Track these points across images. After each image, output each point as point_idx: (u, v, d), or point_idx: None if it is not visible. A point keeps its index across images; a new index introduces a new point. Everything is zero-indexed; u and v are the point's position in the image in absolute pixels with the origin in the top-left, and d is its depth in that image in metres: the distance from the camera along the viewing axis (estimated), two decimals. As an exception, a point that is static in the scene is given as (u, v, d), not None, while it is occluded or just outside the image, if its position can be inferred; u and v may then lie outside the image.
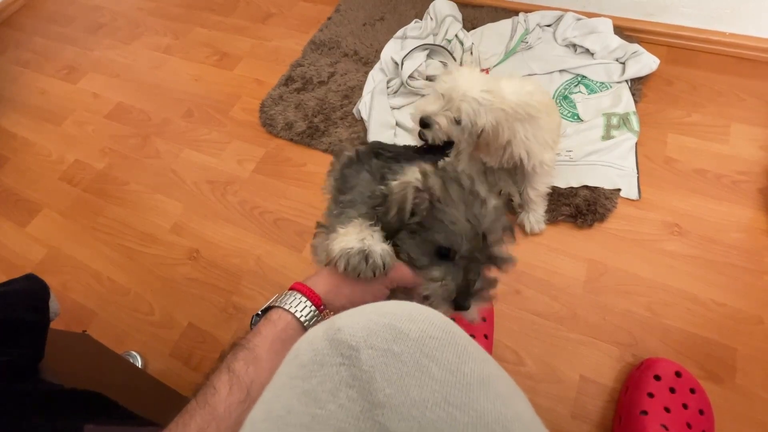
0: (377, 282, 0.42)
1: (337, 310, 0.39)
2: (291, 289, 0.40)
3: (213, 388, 0.32)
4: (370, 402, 0.18)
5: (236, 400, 0.32)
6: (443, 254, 0.44)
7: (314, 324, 0.37)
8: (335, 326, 0.22)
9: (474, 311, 0.45)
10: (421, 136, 0.72)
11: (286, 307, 0.38)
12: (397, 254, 0.45)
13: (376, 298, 0.42)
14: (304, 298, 0.39)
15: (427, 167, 0.48)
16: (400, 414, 0.17)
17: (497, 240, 0.45)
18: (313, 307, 0.38)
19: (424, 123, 0.71)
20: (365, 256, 0.41)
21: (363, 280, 0.41)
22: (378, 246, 0.42)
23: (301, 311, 0.38)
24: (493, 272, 0.47)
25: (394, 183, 0.47)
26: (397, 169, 0.50)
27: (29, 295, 0.54)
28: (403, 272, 0.44)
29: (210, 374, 0.34)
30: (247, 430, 0.20)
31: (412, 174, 0.46)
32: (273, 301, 0.40)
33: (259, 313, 0.40)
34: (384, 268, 0.41)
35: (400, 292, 0.47)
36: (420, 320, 0.22)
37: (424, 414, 0.17)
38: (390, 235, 0.45)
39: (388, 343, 0.20)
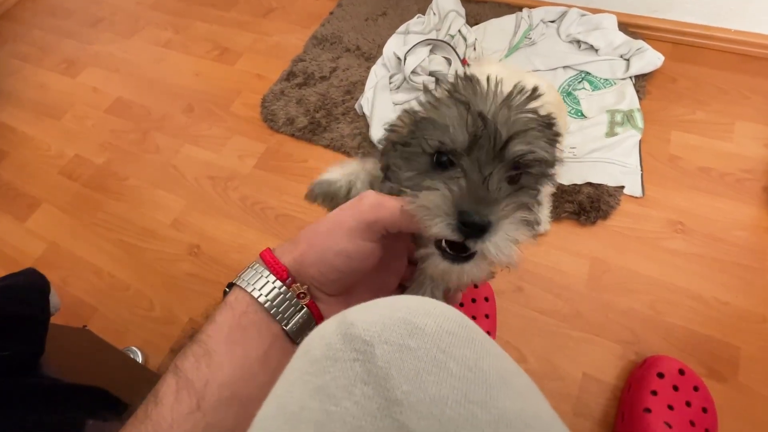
0: (347, 229, 0.30)
1: (309, 282, 0.32)
2: (260, 256, 0.33)
3: (155, 396, 0.27)
4: (387, 399, 0.17)
5: (185, 409, 0.26)
6: (442, 164, 0.32)
7: (280, 303, 0.30)
8: (348, 321, 0.21)
9: (504, 243, 0.28)
10: None
11: (244, 285, 0.31)
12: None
13: (350, 260, 0.31)
14: (266, 273, 0.31)
15: None
16: (419, 412, 0.17)
17: (519, 134, 0.30)
18: (277, 283, 0.30)
19: None
20: (329, 182, 0.33)
21: (330, 234, 0.31)
22: (354, 176, 0.34)
23: (260, 289, 0.30)
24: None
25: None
26: None
27: (29, 289, 0.53)
28: (389, 203, 0.30)
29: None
30: (257, 426, 0.19)
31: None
32: (236, 277, 0.32)
33: (226, 290, 0.33)
34: (348, 193, 0.32)
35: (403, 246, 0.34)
36: (435, 315, 0.21)
37: (444, 412, 0.17)
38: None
39: (403, 338, 0.19)
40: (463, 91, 0.32)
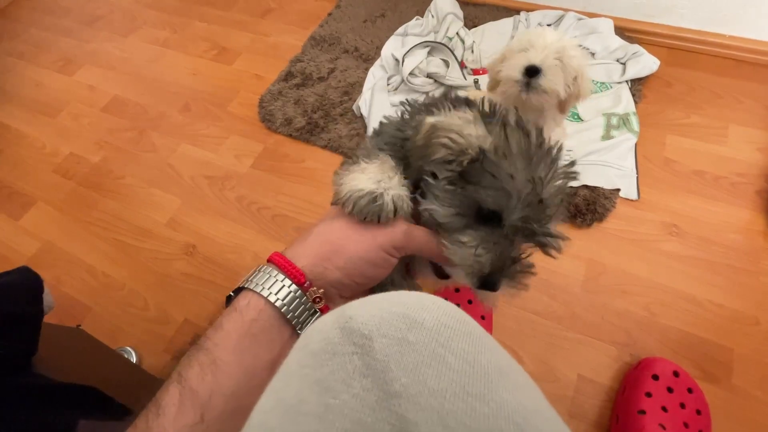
0: (380, 244, 0.33)
1: (327, 286, 0.32)
2: (269, 261, 0.32)
3: (157, 406, 0.26)
4: (386, 392, 0.17)
5: (188, 421, 0.25)
6: (485, 218, 0.35)
7: (296, 308, 0.30)
8: (346, 315, 0.21)
9: (497, 296, 0.37)
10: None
11: (258, 289, 0.30)
12: (418, 218, 0.36)
13: (376, 268, 0.34)
14: (281, 276, 0.30)
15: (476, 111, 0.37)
16: (418, 404, 0.17)
17: (554, 214, 0.35)
18: (293, 287, 0.30)
19: (533, 70, 0.62)
20: (374, 197, 0.33)
21: (363, 244, 0.33)
22: (393, 190, 0.34)
23: (276, 293, 0.30)
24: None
25: (427, 120, 0.36)
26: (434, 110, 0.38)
27: (23, 288, 0.53)
28: (416, 234, 0.35)
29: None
30: (255, 420, 0.19)
31: (454, 116, 0.36)
32: (244, 280, 0.32)
33: (231, 294, 0.32)
34: (394, 214, 0.34)
35: (410, 263, 0.39)
36: (433, 309, 0.21)
37: (443, 404, 0.17)
38: (416, 182, 0.37)
39: (402, 332, 0.19)
40: (534, 151, 0.34)
